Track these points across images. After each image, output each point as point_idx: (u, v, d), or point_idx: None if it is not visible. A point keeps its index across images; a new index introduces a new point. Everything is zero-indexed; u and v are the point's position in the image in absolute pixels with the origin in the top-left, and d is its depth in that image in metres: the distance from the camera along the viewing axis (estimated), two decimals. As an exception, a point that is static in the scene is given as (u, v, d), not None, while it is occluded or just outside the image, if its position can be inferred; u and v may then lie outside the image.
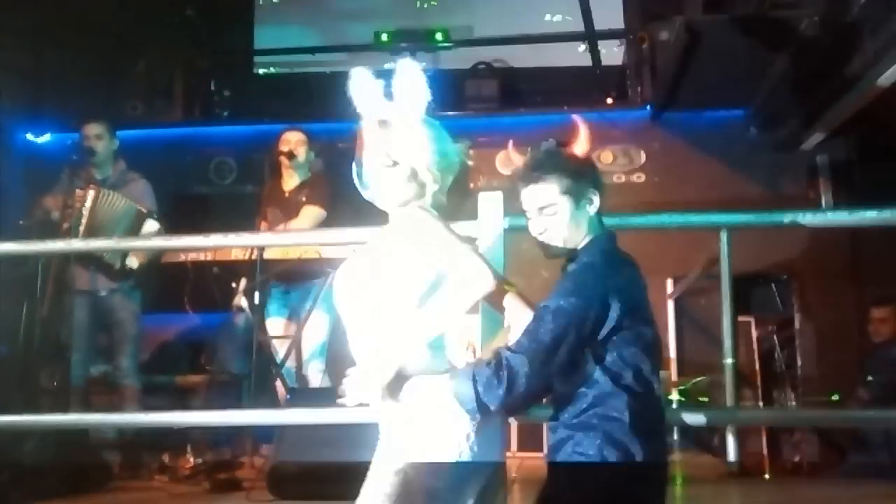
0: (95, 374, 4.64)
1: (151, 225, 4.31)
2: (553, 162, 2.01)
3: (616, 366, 1.92)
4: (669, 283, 5.49)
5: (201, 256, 4.20)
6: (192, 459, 3.96)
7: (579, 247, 2.01)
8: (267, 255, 4.07)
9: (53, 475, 3.30)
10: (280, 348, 4.29)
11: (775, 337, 5.55)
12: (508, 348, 1.90)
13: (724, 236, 3.06)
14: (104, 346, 4.55)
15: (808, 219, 2.77)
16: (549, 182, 1.98)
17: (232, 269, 4.26)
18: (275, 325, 4.41)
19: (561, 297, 1.92)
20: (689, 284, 5.03)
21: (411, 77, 1.99)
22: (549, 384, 1.97)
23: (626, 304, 1.92)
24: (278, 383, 4.12)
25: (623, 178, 5.75)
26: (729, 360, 2.80)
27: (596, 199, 2.02)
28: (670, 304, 5.50)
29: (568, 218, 1.99)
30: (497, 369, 1.85)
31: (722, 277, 3.23)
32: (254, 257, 4.02)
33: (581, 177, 2.01)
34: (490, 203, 2.64)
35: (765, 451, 4.86)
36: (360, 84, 2.02)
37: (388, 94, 2.02)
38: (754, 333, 5.32)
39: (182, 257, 4.23)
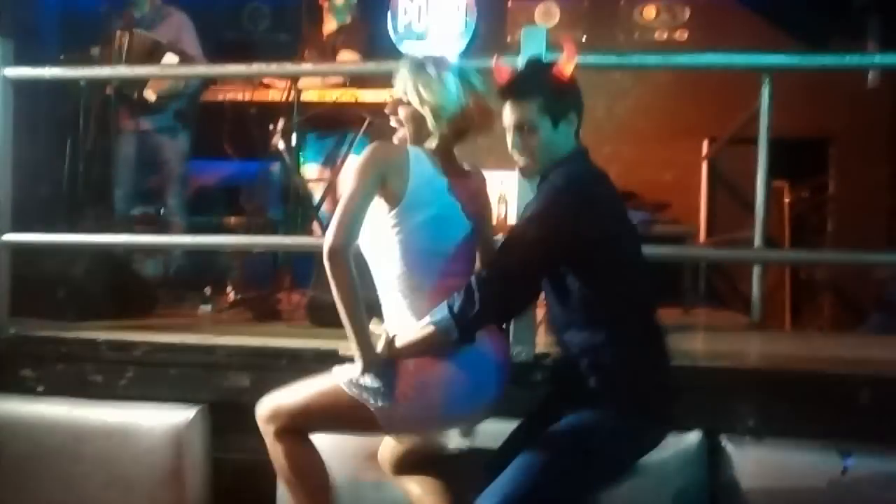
0: (138, 213, 4.79)
1: (170, 58, 4.29)
2: (536, 80, 2.01)
3: (604, 294, 1.97)
4: (704, 144, 5.45)
5: (239, 96, 4.23)
6: (232, 294, 4.12)
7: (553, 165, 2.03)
8: (303, 98, 4.09)
9: (104, 298, 3.47)
10: (316, 192, 4.38)
11: (808, 202, 5.55)
12: (479, 272, 1.99)
13: (766, 85, 3.03)
14: (149, 185, 4.67)
15: (854, 61, 2.70)
16: (529, 100, 1.99)
17: (269, 111, 4.29)
18: (310, 170, 4.49)
19: (528, 219, 1.98)
20: (723, 144, 4.98)
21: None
22: (523, 301, 2.05)
23: (599, 222, 1.95)
24: (315, 226, 4.23)
25: (665, 36, 5.60)
26: (761, 198, 2.80)
27: (575, 121, 2.04)
28: (704, 166, 5.47)
29: (545, 137, 2.00)
30: (468, 294, 1.92)
31: (760, 131, 3.21)
32: (291, 99, 4.04)
33: (562, 97, 2.02)
34: (533, 38, 2.60)
35: (787, 313, 4.95)
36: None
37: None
38: (787, 198, 5.32)
39: (220, 97, 4.26)
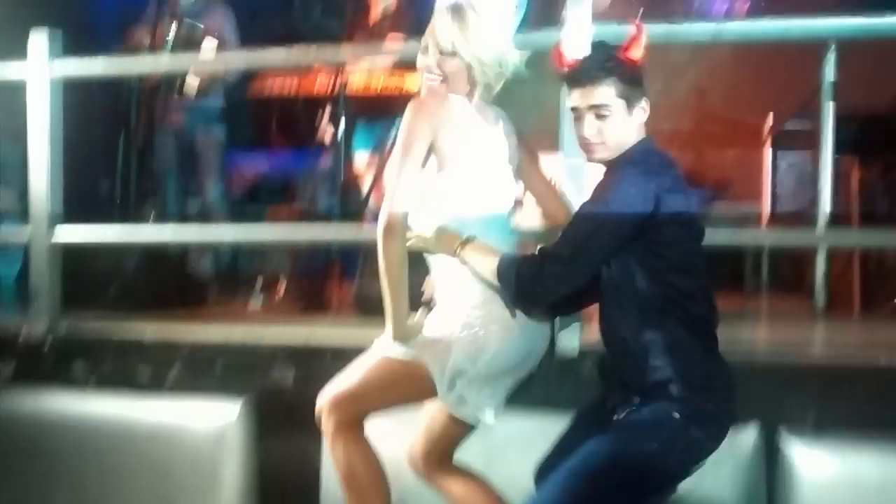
0: (189, 210, 4.83)
1: (209, 43, 4.27)
2: (611, 64, 1.96)
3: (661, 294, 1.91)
4: (769, 119, 5.22)
5: (285, 90, 4.21)
6: (283, 286, 4.13)
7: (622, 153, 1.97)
8: (350, 85, 4.05)
9: (155, 293, 3.50)
10: (366, 180, 4.34)
11: (880, 180, 5.27)
12: (546, 249, 1.95)
13: (830, 53, 2.84)
14: (192, 178, 4.70)
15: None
16: (606, 84, 1.94)
17: (316, 102, 4.26)
18: (360, 158, 4.45)
19: (596, 201, 1.93)
20: (789, 119, 4.76)
21: None
22: (581, 286, 1.98)
23: (668, 208, 1.89)
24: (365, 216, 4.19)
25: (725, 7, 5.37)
26: (826, 176, 2.62)
27: (646, 109, 1.99)
28: (768, 142, 5.25)
29: (620, 121, 1.95)
30: (534, 268, 1.91)
31: (823, 104, 3.03)
32: (338, 87, 4.00)
33: (636, 84, 1.98)
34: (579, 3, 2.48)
35: (856, 294, 4.72)
36: None
37: None
38: (857, 174, 5.06)
39: (266, 92, 4.25)
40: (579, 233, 1.93)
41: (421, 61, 2.06)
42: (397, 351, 2.01)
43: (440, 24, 2.01)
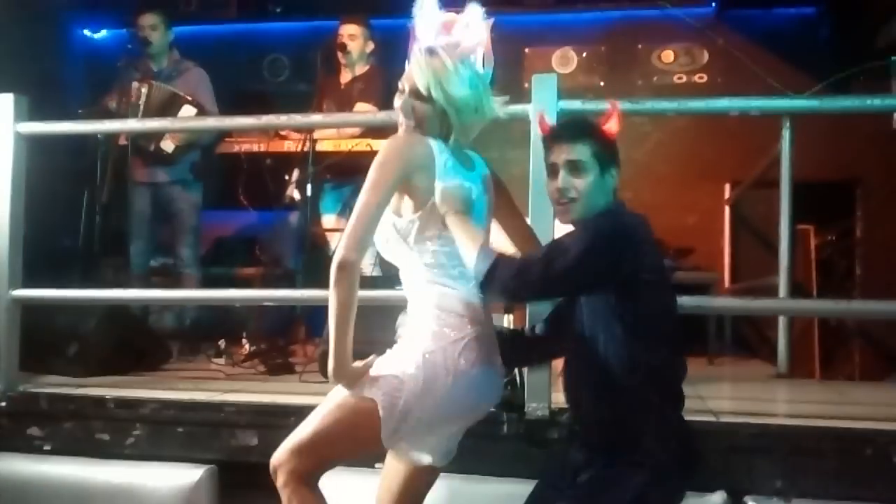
0: (155, 265, 4.79)
1: (188, 110, 4.31)
2: (589, 128, 2.07)
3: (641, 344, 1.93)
4: (727, 189, 5.37)
5: (255, 147, 4.24)
6: (247, 346, 4.08)
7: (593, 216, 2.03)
8: (318, 148, 4.08)
9: (116, 352, 3.44)
10: (332, 242, 4.35)
11: (835, 247, 5.41)
12: (531, 257, 1.98)
13: (786, 128, 2.97)
14: (164, 237, 4.67)
15: (877, 104, 2.63)
16: (582, 143, 2.02)
17: (285, 161, 4.29)
18: (327, 221, 4.47)
19: (574, 238, 1.97)
20: (746, 189, 4.90)
21: (474, 23, 2.02)
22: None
23: (643, 258, 1.95)
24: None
25: (684, 79, 5.58)
26: (785, 246, 2.71)
27: (616, 178, 2.06)
28: (727, 210, 5.38)
29: (594, 179, 2.02)
30: (518, 268, 1.92)
31: (782, 174, 3.14)
32: (306, 149, 4.04)
33: (609, 152, 2.06)
34: (544, 85, 2.57)
35: (816, 361, 4.80)
36: (424, 10, 2.02)
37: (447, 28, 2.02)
38: (813, 242, 5.19)
39: (236, 148, 4.27)
40: (559, 253, 1.93)
41: (397, 102, 2.08)
42: (346, 391, 1.97)
43: (415, 68, 2.02)
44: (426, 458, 2.04)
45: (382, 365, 1.99)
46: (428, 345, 1.95)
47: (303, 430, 2.01)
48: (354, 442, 2.02)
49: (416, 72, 2.01)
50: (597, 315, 1.97)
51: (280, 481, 1.99)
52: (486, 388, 2.03)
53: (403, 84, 2.06)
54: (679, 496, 1.99)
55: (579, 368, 2.04)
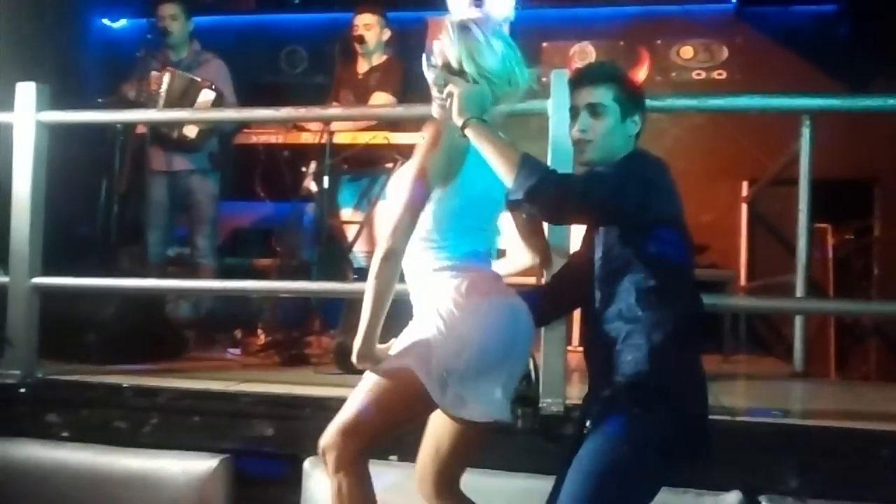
0: (172, 255, 4.82)
1: (207, 94, 4.31)
2: (613, 72, 2.08)
3: (656, 262, 1.93)
4: (744, 186, 5.34)
5: (272, 139, 4.24)
6: (262, 337, 4.10)
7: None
8: (335, 140, 4.09)
9: (133, 341, 3.46)
10: (348, 234, 4.36)
11: (852, 245, 5.38)
12: (576, 179, 1.99)
13: (806, 126, 2.95)
14: (181, 227, 4.69)
15: (898, 102, 2.60)
16: (605, 87, 2.03)
17: (302, 153, 4.30)
18: (343, 213, 4.47)
19: (614, 169, 1.98)
20: (764, 186, 4.87)
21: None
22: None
23: (666, 196, 1.97)
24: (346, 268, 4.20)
25: (703, 75, 5.54)
26: (803, 244, 2.69)
27: (639, 123, 2.06)
28: (744, 208, 5.36)
29: (613, 124, 2.02)
30: (559, 182, 1.92)
31: (801, 172, 3.12)
32: (323, 141, 4.04)
33: (633, 97, 2.06)
34: (563, 80, 2.56)
35: (832, 360, 4.78)
36: None
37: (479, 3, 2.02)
38: (830, 241, 5.16)
39: (253, 139, 4.28)
40: (598, 178, 1.96)
41: (430, 77, 2.06)
42: (378, 367, 1.98)
43: (447, 42, 2.01)
44: (485, 410, 1.95)
45: (402, 340, 2.04)
46: (436, 306, 1.97)
47: (346, 412, 2.00)
48: (398, 413, 2.02)
49: (447, 46, 2.00)
50: (622, 243, 1.97)
51: (330, 466, 1.99)
52: (508, 316, 1.99)
53: (435, 60, 2.03)
54: (697, 435, 1.95)
55: (597, 304, 2.01)
